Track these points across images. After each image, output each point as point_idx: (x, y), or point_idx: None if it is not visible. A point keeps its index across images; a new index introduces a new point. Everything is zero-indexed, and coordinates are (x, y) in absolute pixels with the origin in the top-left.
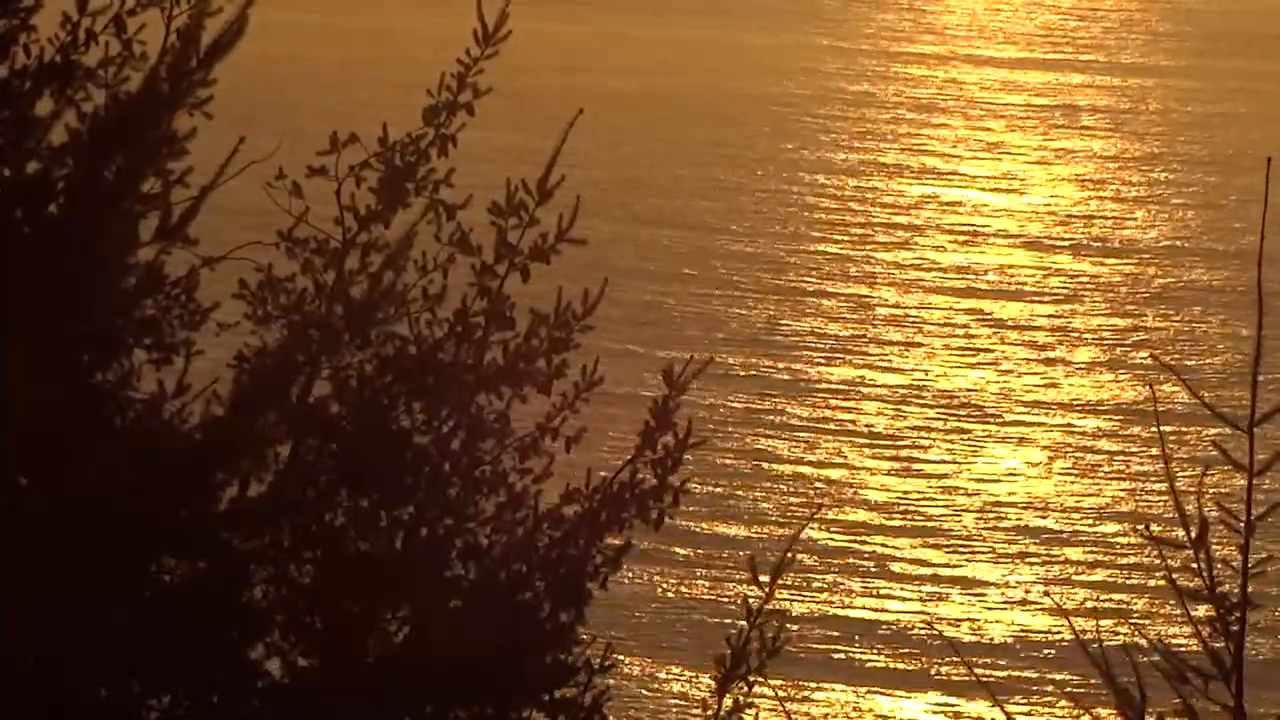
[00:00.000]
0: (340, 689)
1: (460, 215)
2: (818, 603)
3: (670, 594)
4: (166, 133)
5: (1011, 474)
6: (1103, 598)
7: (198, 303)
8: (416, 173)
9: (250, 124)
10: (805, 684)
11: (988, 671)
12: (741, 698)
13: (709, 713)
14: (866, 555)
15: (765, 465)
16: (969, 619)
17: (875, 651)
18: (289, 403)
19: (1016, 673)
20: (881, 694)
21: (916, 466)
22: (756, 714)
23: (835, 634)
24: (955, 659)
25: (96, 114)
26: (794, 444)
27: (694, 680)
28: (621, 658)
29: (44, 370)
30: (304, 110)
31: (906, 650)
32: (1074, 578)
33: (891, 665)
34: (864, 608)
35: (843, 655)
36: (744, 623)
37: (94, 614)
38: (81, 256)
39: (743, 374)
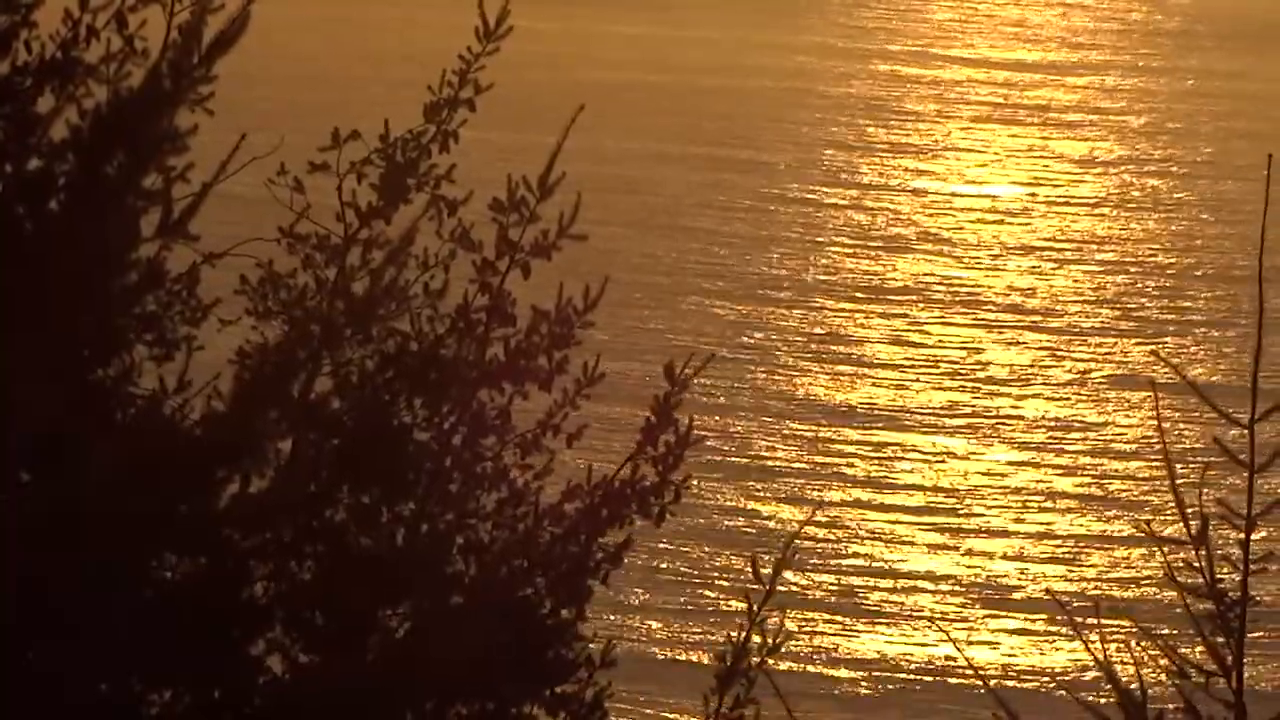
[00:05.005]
0: (341, 685)
1: (461, 211)
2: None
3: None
4: (168, 129)
5: (1011, 472)
6: (1104, 595)
7: (199, 299)
8: (418, 169)
9: (251, 120)
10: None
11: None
12: (742, 694)
13: (710, 708)
14: (867, 560)
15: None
16: (972, 625)
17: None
18: (290, 399)
19: (1025, 679)
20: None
21: (915, 460)
22: (758, 711)
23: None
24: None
25: (98, 110)
26: (784, 453)
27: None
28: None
29: (45, 367)
30: (305, 106)
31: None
32: (1075, 575)
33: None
34: (864, 612)
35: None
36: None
37: (95, 610)
38: (83, 252)
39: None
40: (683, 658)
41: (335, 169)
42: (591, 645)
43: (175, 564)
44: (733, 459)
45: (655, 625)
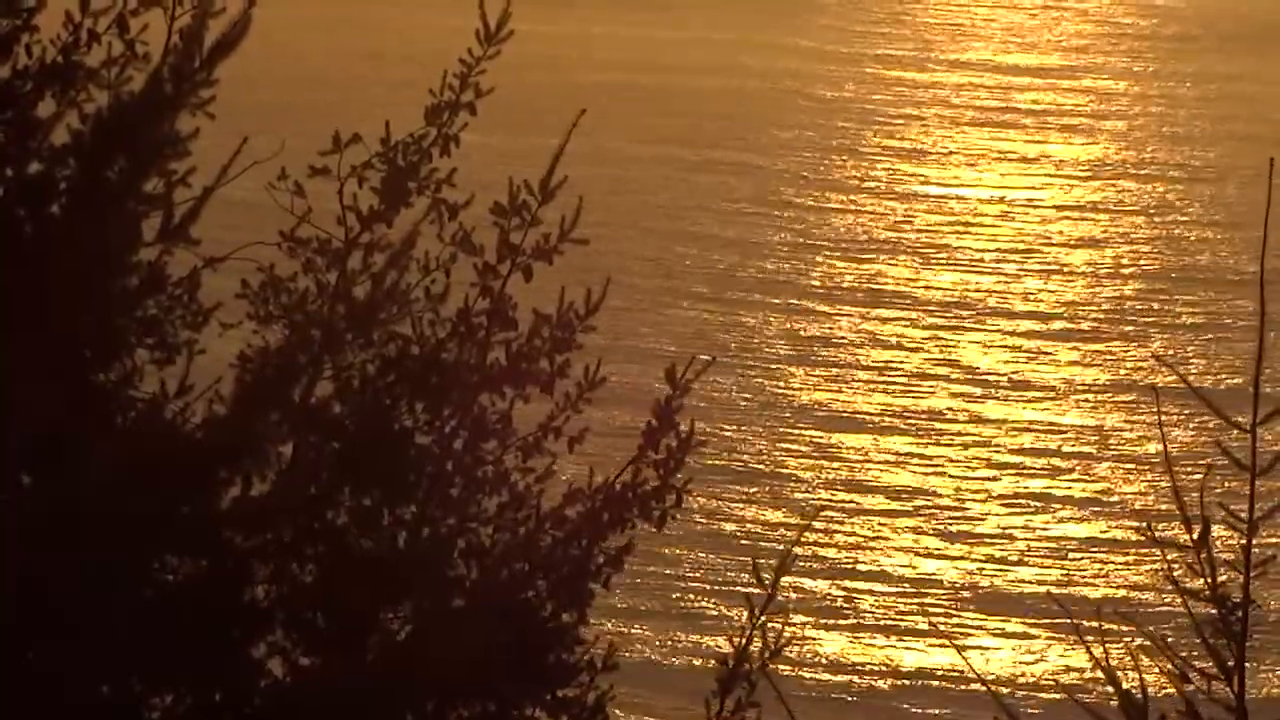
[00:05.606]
0: (342, 688)
1: (462, 215)
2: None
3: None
4: (169, 133)
5: (1010, 475)
6: (1105, 598)
7: (200, 303)
8: (419, 172)
9: (252, 123)
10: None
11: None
12: (744, 697)
13: (712, 712)
14: (868, 558)
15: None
16: (971, 628)
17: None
18: (291, 402)
19: (1022, 678)
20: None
21: (914, 463)
22: (759, 715)
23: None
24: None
25: (99, 114)
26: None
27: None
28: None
29: (46, 369)
30: (306, 108)
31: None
32: (1075, 579)
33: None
34: (863, 608)
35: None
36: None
37: (95, 611)
38: (84, 256)
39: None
40: (676, 662)
41: (336, 173)
42: (594, 649)
43: (176, 565)
44: (728, 463)
45: (648, 630)
